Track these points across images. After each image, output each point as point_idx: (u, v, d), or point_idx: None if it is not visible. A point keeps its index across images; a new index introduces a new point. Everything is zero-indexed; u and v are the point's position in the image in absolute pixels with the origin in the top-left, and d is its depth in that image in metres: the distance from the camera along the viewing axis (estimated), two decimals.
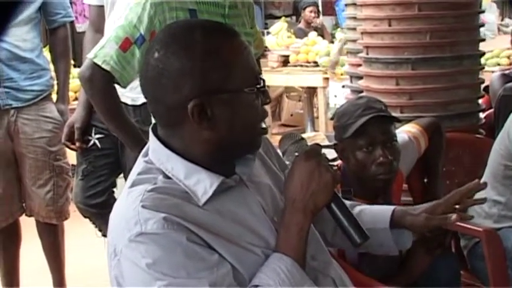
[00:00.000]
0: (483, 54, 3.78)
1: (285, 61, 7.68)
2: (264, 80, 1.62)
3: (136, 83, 2.40)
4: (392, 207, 1.93)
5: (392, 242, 1.89)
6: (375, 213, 1.92)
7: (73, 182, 3.79)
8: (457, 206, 1.88)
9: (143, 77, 1.61)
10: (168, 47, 1.57)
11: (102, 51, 2.50)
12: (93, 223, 3.70)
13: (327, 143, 4.98)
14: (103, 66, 2.48)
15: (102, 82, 2.52)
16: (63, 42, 3.89)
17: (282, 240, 1.60)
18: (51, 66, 3.95)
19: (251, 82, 1.58)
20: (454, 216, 1.83)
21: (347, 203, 1.98)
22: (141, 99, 3.18)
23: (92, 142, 3.52)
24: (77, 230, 4.32)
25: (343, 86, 5.42)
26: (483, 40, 3.77)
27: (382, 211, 1.93)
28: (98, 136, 3.51)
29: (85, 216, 3.67)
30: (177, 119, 1.56)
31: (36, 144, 3.72)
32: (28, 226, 4.00)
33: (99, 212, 3.52)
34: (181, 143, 1.59)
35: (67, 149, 3.73)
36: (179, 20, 2.37)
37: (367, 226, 1.78)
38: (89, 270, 4.45)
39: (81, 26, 7.51)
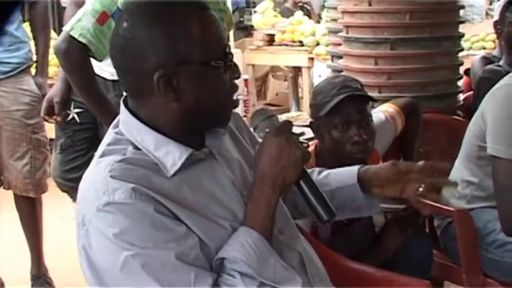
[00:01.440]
0: (462, 35, 3.78)
1: (271, 40, 7.67)
2: (232, 55, 1.62)
3: None
4: (357, 166, 1.94)
5: (362, 196, 1.89)
6: (342, 173, 1.94)
7: (51, 156, 3.79)
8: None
9: (112, 47, 1.62)
10: (136, 17, 1.58)
11: (78, 24, 2.49)
12: (71, 197, 3.70)
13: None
14: (79, 39, 2.47)
15: (78, 55, 2.51)
16: (42, 15, 3.89)
17: (250, 214, 1.61)
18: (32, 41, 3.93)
19: (219, 56, 1.58)
20: (420, 163, 1.85)
21: (315, 169, 2.00)
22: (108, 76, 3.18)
23: (70, 116, 3.52)
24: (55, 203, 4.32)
25: (327, 66, 5.43)
26: (462, 22, 3.78)
27: (349, 170, 1.94)
28: (76, 110, 3.51)
29: (63, 191, 3.68)
30: (144, 89, 1.57)
31: (13, 117, 3.72)
32: (6, 199, 4.00)
33: (77, 186, 3.51)
34: (149, 113, 1.60)
35: (46, 123, 3.73)
36: None
37: (336, 186, 1.81)
38: (67, 243, 4.45)
39: (66, 1, 7.47)
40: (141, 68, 1.55)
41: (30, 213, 3.90)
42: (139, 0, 1.65)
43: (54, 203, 4.61)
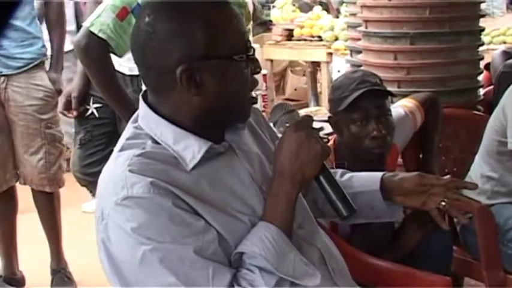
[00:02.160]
0: (483, 30, 3.76)
1: (289, 35, 7.64)
2: (254, 49, 1.62)
3: None
4: (381, 173, 1.94)
5: (383, 204, 1.89)
6: (365, 178, 1.94)
7: (67, 151, 3.80)
8: None
9: (133, 43, 1.61)
10: (158, 12, 1.57)
11: (98, 20, 2.50)
12: (90, 191, 3.72)
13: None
14: (99, 34, 2.48)
15: (97, 51, 2.52)
16: (57, 10, 3.90)
17: (269, 209, 1.61)
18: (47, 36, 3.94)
19: (240, 50, 1.58)
20: (447, 177, 1.87)
21: (338, 170, 1.99)
22: (127, 71, 3.20)
23: (90, 111, 3.54)
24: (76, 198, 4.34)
25: (346, 61, 5.41)
26: (483, 16, 3.75)
27: (372, 175, 1.94)
28: (96, 106, 3.53)
29: (82, 185, 3.70)
30: (166, 84, 1.57)
31: (27, 112, 3.73)
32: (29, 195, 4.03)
33: (96, 180, 3.52)
34: (170, 108, 1.59)
35: (64, 118, 3.75)
36: None
37: (358, 190, 1.82)
38: (88, 238, 4.47)
39: None
40: (163, 63, 1.55)
41: (47, 208, 3.92)
42: None
43: (75, 198, 4.63)
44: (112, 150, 3.76)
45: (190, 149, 1.57)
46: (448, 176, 1.89)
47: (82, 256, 3.99)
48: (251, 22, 3.49)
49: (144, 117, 1.62)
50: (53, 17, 3.90)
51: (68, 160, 4.12)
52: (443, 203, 1.85)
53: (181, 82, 1.54)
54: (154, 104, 1.62)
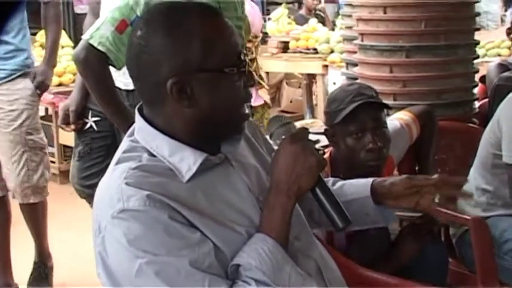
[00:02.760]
0: (478, 43, 3.78)
1: (285, 47, 7.68)
2: (246, 62, 1.62)
3: None
4: (371, 179, 1.94)
5: (376, 209, 1.88)
6: (356, 185, 1.93)
7: (47, 158, 3.91)
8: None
9: (128, 55, 1.63)
10: (150, 25, 1.59)
11: (97, 33, 2.50)
12: (89, 203, 3.72)
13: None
14: (98, 47, 2.48)
15: (97, 63, 2.52)
16: (53, 11, 3.96)
17: (266, 221, 1.61)
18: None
19: (232, 62, 1.58)
20: (435, 176, 1.85)
21: (330, 179, 2.00)
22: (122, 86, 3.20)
23: (88, 125, 3.55)
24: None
25: (342, 73, 5.43)
26: (478, 29, 3.78)
27: (363, 182, 1.93)
28: (94, 119, 3.53)
29: (82, 197, 3.70)
30: (158, 96, 1.58)
31: (8, 118, 3.78)
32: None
33: (94, 192, 3.53)
34: (164, 120, 1.60)
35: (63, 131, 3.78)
36: (165, 1, 2.37)
37: (351, 197, 1.82)
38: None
39: (82, 7, 7.51)
40: (155, 75, 1.56)
41: (33, 218, 3.96)
42: (154, 9, 1.67)
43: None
44: (110, 163, 3.79)
45: (186, 160, 1.58)
46: (436, 175, 1.88)
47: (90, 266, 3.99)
48: (250, 34, 3.50)
49: (140, 130, 1.63)
50: (48, 16, 3.95)
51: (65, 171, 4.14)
52: (436, 200, 1.84)
53: (172, 94, 1.55)
54: (149, 116, 1.63)
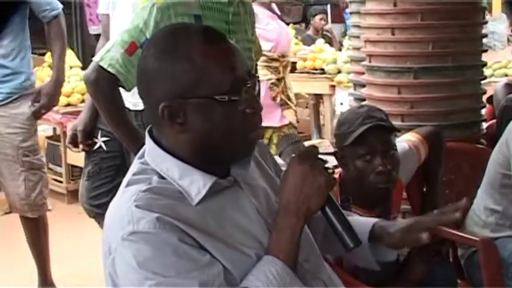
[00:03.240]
0: (485, 64, 3.79)
1: (292, 67, 7.68)
2: (247, 86, 1.60)
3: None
4: (372, 222, 1.92)
5: (371, 258, 1.89)
6: (356, 226, 1.90)
7: (46, 177, 4.02)
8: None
9: (136, 78, 1.67)
10: (150, 49, 1.62)
11: (108, 55, 2.53)
12: (98, 223, 3.73)
13: (331, 150, 4.99)
14: (108, 69, 2.51)
15: (107, 85, 2.55)
16: (54, 29, 4.03)
17: (274, 242, 1.61)
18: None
19: (225, 89, 1.56)
20: (424, 235, 1.82)
21: None
22: (141, 105, 3.22)
23: (98, 145, 3.57)
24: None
25: (349, 94, 5.44)
26: (485, 51, 3.78)
27: (364, 225, 1.91)
28: (103, 139, 3.55)
29: (91, 216, 3.71)
30: (156, 119, 1.59)
31: (6, 140, 3.89)
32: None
33: (103, 212, 3.53)
34: (167, 142, 1.62)
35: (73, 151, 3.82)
36: (171, 24, 2.39)
37: None
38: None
39: (94, 28, 7.53)
40: (151, 98, 1.59)
41: (32, 233, 4.04)
42: (159, 32, 1.71)
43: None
44: (119, 183, 3.80)
45: (196, 184, 1.59)
46: (435, 212, 1.89)
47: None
48: (261, 55, 3.52)
49: (150, 152, 1.65)
50: (51, 36, 4.04)
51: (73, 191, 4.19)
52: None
53: (163, 118, 1.57)
54: (157, 138, 1.65)
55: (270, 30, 6.13)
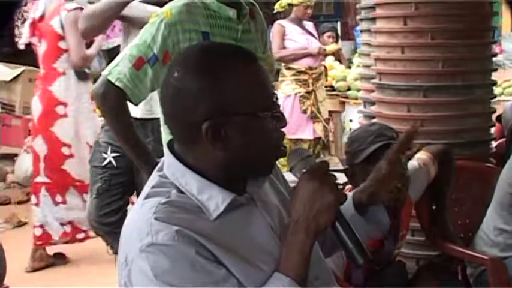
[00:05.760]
0: (495, 83, 3.80)
1: None
2: (279, 105, 1.65)
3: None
4: (350, 196, 1.90)
5: (365, 223, 1.87)
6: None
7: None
8: None
9: (163, 96, 1.66)
10: (187, 68, 1.61)
11: (116, 69, 2.56)
12: (105, 241, 3.74)
13: (340, 167, 5.00)
14: (116, 83, 2.54)
15: (114, 99, 2.57)
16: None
17: (283, 259, 1.62)
18: None
19: (266, 106, 1.61)
20: (382, 162, 1.85)
21: None
22: (138, 115, 3.28)
23: (107, 160, 3.58)
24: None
25: (359, 111, 5.46)
26: (495, 70, 3.80)
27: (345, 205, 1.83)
28: (113, 155, 3.56)
29: (98, 235, 3.72)
30: (192, 137, 1.60)
31: None
32: None
33: (112, 230, 3.56)
34: (195, 159, 1.63)
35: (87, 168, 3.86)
36: (201, 42, 2.43)
37: None
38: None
39: (112, 42, 7.57)
40: (190, 117, 1.59)
41: None
42: (191, 51, 1.70)
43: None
44: (128, 200, 3.83)
45: (214, 199, 1.60)
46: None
47: None
48: (274, 71, 3.55)
49: (170, 166, 1.66)
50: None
51: None
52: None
53: (206, 137, 1.57)
54: (180, 153, 1.66)
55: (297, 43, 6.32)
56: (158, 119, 2.87)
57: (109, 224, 3.57)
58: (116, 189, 3.61)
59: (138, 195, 3.54)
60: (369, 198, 1.87)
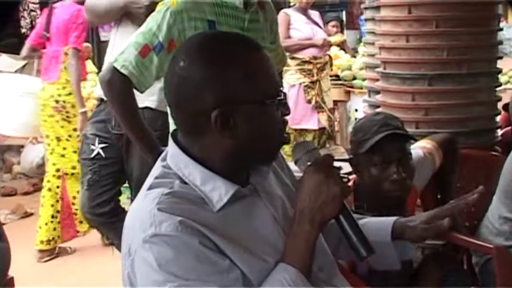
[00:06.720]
0: (500, 71, 3.79)
1: None
2: (284, 93, 1.65)
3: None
4: (392, 220, 1.96)
5: (395, 254, 1.91)
6: (377, 227, 1.94)
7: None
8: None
9: (167, 85, 1.65)
10: (193, 57, 1.61)
11: (121, 56, 2.56)
12: (100, 232, 3.74)
13: (346, 156, 5.00)
14: (121, 70, 2.54)
15: (120, 85, 2.58)
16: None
17: (288, 250, 1.63)
18: None
19: (272, 94, 1.61)
20: (446, 221, 1.91)
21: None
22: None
23: (95, 152, 3.58)
24: None
25: (364, 100, 5.45)
26: (500, 58, 3.78)
27: (384, 224, 1.95)
28: (101, 145, 3.56)
29: (92, 226, 3.71)
30: (199, 127, 1.60)
31: None
32: None
33: (106, 220, 3.57)
34: (200, 150, 1.63)
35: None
36: (205, 31, 2.43)
37: (370, 239, 1.80)
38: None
39: (105, 35, 7.61)
40: (197, 106, 1.58)
41: None
42: (195, 40, 1.69)
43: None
44: (119, 190, 3.84)
45: (217, 191, 1.60)
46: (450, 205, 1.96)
47: None
48: (285, 62, 3.53)
49: (173, 156, 1.66)
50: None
51: None
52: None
53: (215, 126, 1.57)
54: (184, 144, 1.66)
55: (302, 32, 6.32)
56: None
57: (102, 214, 3.57)
58: (106, 179, 3.61)
59: (129, 185, 3.55)
60: (415, 238, 1.96)
